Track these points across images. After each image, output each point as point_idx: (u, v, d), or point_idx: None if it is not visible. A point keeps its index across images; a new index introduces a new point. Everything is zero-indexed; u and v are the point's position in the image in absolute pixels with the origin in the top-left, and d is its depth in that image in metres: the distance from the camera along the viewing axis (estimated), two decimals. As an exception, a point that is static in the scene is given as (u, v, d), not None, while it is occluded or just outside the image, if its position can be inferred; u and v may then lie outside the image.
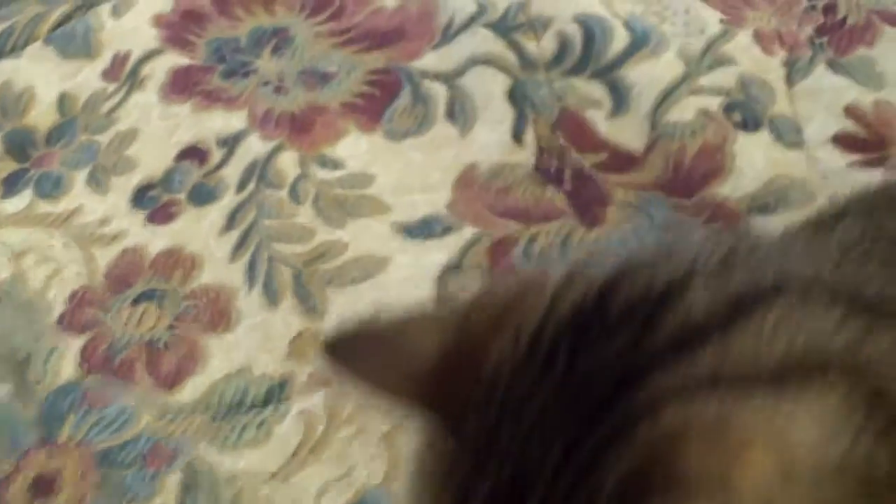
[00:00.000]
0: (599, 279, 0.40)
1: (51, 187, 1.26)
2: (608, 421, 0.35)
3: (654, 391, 0.35)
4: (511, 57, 1.30)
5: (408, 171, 1.22)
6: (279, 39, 1.39)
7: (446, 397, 0.40)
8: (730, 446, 0.33)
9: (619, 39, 1.31)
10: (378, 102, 1.28)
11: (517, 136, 1.22)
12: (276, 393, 1.03)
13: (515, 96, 1.26)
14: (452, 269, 1.10)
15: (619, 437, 0.34)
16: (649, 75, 1.25)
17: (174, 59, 1.37)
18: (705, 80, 1.25)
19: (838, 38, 1.33)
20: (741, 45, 1.30)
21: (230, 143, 1.27)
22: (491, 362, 0.39)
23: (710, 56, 1.28)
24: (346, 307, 1.09)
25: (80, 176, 1.26)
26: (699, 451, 0.32)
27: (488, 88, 1.27)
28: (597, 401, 0.36)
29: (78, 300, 1.14)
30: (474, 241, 1.12)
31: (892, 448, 0.35)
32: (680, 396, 0.35)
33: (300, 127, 1.27)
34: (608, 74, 1.27)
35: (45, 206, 1.24)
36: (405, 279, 1.10)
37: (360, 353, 0.45)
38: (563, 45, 1.31)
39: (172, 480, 0.96)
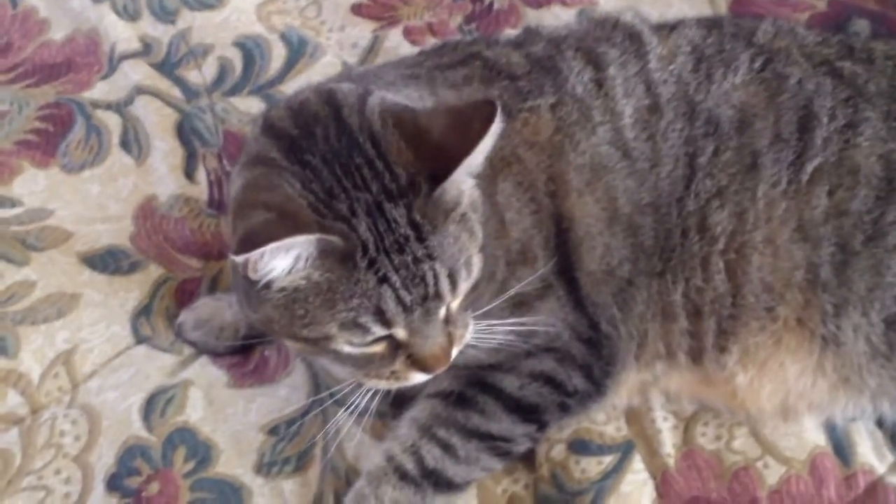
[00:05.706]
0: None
1: None
2: None
3: None
4: (176, 93, 1.38)
5: (87, 203, 1.28)
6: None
7: None
8: None
9: (278, 57, 1.43)
10: (52, 137, 1.34)
11: (189, 174, 1.30)
12: (-32, 436, 1.09)
13: (184, 132, 1.34)
14: (144, 310, 1.18)
15: None
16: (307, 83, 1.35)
17: None
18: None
19: (486, 23, 1.50)
20: (392, 45, 1.45)
21: None
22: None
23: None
24: (41, 345, 1.16)
25: None
26: None
27: (159, 117, 1.35)
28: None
29: None
30: (161, 282, 1.21)
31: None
32: None
33: (-28, 171, 1.31)
34: (266, 90, 1.39)
35: None
36: (99, 319, 1.17)
37: None
38: (224, 70, 1.42)
39: None
